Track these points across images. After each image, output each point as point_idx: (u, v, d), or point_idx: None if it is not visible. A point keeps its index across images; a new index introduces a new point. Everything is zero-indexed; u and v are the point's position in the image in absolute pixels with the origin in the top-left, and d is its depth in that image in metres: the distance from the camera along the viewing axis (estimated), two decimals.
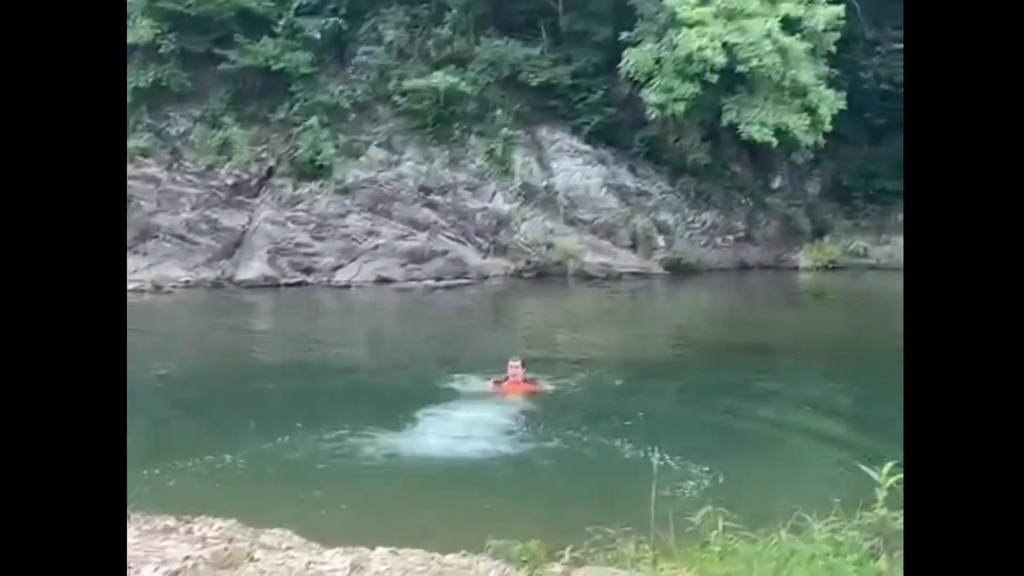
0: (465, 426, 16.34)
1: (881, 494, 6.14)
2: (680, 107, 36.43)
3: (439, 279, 36.59)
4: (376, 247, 37.00)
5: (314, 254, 36.46)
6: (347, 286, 35.80)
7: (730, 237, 40.39)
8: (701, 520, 7.03)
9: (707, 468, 13.56)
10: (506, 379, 18.11)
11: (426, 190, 37.93)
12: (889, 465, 5.99)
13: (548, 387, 19.04)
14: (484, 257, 37.73)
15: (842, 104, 37.28)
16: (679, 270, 38.39)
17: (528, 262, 37.73)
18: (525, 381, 18.36)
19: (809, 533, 6.80)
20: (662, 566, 6.73)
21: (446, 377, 19.96)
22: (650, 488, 7.48)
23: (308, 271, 36.15)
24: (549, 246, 37.96)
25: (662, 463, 13.07)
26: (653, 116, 37.34)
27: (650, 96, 36.71)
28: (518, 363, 18.22)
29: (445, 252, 37.34)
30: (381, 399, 18.97)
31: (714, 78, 35.73)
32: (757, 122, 36.40)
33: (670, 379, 21.01)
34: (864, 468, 6.49)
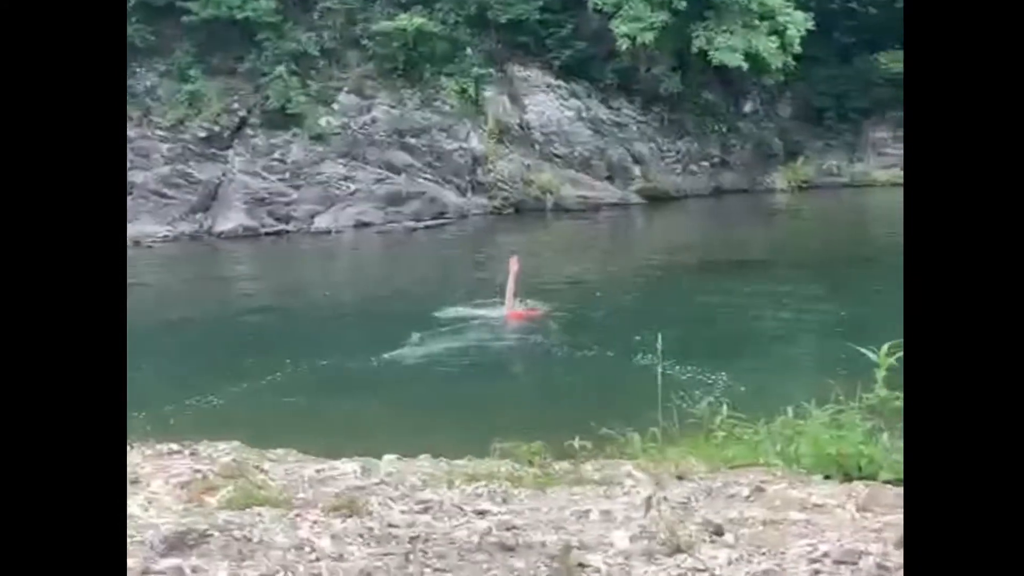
0: (464, 345, 16.46)
1: (880, 374, 6.17)
2: (649, 36, 36.39)
3: (418, 220, 36.58)
4: (353, 192, 36.91)
5: (292, 203, 36.34)
6: (327, 232, 35.74)
7: (705, 163, 40.55)
8: (706, 411, 7.07)
9: (711, 370, 13.73)
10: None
11: (400, 133, 37.79)
12: (886, 346, 5.99)
13: (543, 312, 19.14)
14: (462, 196, 37.72)
15: (810, 25, 37.31)
16: (656, 198, 38.55)
17: (506, 199, 37.76)
18: (524, 309, 18.51)
19: (812, 418, 6.79)
20: (668, 454, 6.74)
21: (441, 308, 20.05)
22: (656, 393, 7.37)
23: (287, 220, 36.04)
24: (527, 182, 37.99)
25: (666, 371, 13.19)
26: (623, 47, 37.25)
27: (619, 27, 36.63)
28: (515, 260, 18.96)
29: (423, 193, 37.30)
30: (383, 327, 19.04)
31: (683, 5, 35.68)
32: (727, 47, 36.40)
33: (662, 297, 21.18)
34: (863, 350, 6.33)
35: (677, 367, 13.31)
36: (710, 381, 13.31)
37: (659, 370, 7.31)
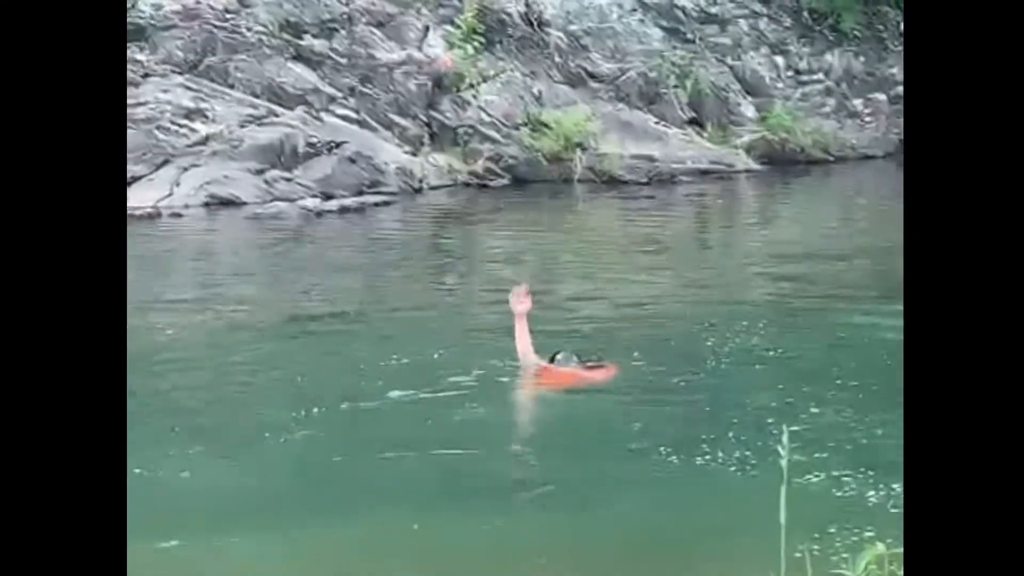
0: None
1: None
2: None
3: (327, 197, 18.69)
4: (203, 141, 18.87)
5: None
6: (152, 214, 17.52)
7: None
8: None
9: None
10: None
11: (292, 28, 19.75)
12: None
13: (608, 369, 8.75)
14: (412, 152, 19.71)
15: None
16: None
17: (498, 158, 19.78)
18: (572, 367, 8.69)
19: None
20: None
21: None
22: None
23: None
24: (537, 127, 19.98)
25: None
26: None
27: None
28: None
29: (336, 145, 19.26)
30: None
31: None
32: None
33: None
34: None
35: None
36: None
37: (782, 495, 3.96)
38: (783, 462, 4.08)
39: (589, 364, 8.66)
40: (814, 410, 7.68)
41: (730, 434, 7.24)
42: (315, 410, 7.87)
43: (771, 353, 9.33)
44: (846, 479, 6.55)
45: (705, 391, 8.36)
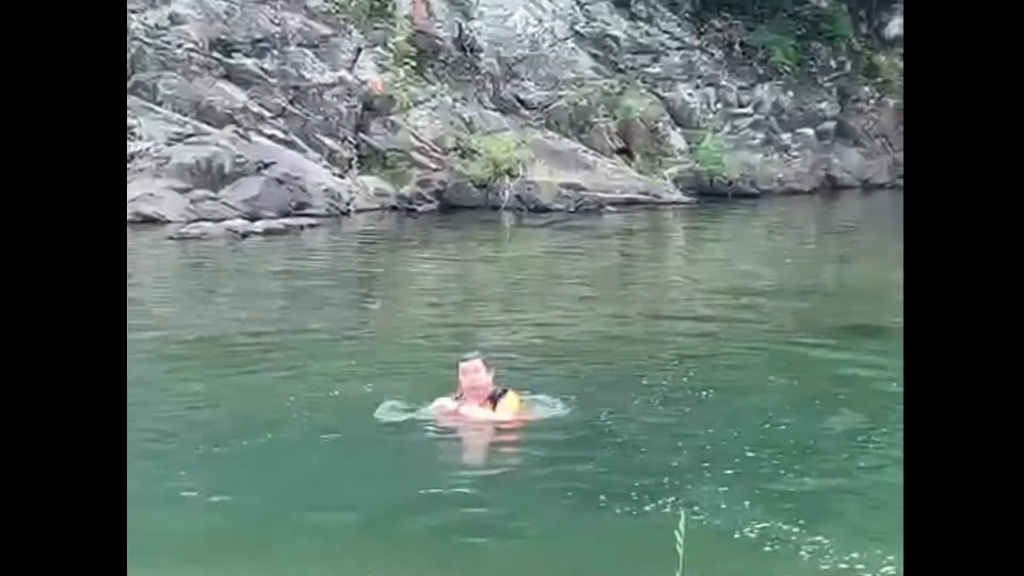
0: None
1: None
2: None
3: (253, 218, 18.50)
4: (130, 158, 18.63)
5: None
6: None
7: None
8: None
9: None
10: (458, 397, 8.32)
11: (223, 46, 19.60)
12: None
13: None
14: (339, 175, 19.61)
15: None
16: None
17: (426, 183, 19.72)
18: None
19: None
20: None
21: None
22: None
23: None
24: (467, 153, 19.95)
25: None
26: None
27: None
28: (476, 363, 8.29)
29: (265, 166, 19.13)
30: None
31: None
32: None
33: None
34: None
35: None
36: None
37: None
38: (679, 548, 4.03)
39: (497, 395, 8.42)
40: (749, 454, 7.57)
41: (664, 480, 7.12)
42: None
43: (702, 394, 9.21)
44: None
45: (637, 432, 8.24)
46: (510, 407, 8.23)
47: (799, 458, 7.42)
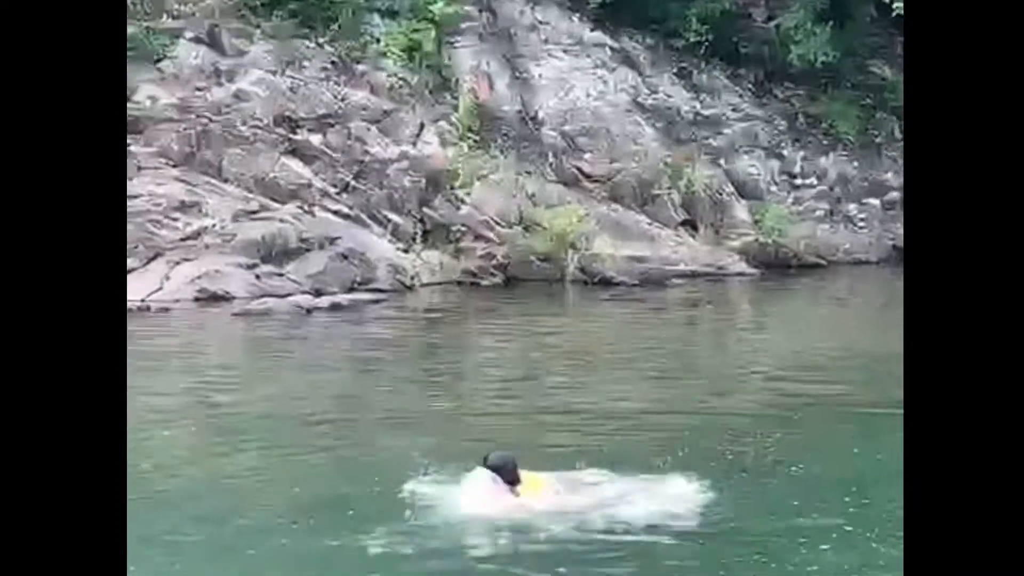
0: None
1: None
2: None
3: (318, 293, 18.49)
4: (196, 235, 18.77)
5: None
6: (142, 307, 17.26)
7: None
8: None
9: None
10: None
11: (289, 122, 19.75)
12: None
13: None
14: (404, 249, 19.62)
15: None
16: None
17: (489, 256, 19.67)
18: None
19: None
20: None
21: None
22: None
23: None
24: (531, 226, 19.91)
25: None
26: None
27: None
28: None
29: (329, 241, 19.17)
30: None
31: None
32: None
33: None
34: None
35: None
36: None
37: None
38: None
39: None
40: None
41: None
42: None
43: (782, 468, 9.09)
44: None
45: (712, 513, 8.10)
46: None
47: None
